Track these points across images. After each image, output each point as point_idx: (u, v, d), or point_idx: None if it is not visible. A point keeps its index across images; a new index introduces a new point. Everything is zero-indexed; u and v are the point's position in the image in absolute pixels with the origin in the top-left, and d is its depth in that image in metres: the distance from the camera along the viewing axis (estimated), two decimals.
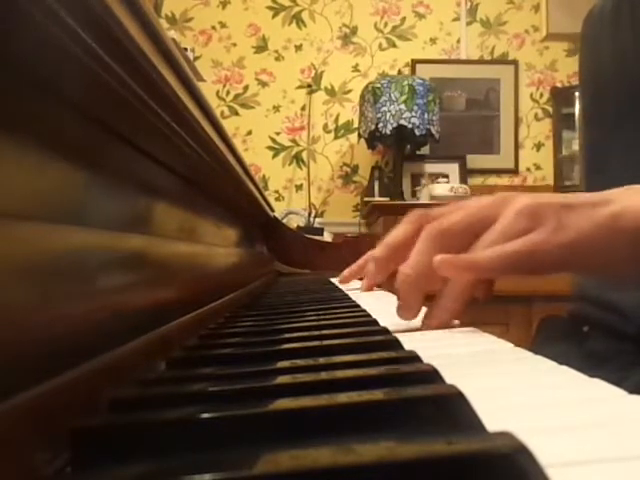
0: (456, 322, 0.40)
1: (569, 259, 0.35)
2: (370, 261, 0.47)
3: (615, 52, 0.61)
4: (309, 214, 2.26)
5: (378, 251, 0.45)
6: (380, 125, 2.03)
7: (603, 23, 0.64)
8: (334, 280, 0.97)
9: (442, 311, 0.38)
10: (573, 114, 2.28)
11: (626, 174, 0.57)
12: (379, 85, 2.05)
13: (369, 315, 0.44)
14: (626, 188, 0.38)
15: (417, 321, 0.40)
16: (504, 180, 2.43)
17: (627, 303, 0.54)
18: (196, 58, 2.31)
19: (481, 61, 2.45)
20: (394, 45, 2.43)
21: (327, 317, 0.45)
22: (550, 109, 2.44)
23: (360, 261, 0.66)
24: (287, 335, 0.36)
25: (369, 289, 0.59)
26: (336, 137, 2.40)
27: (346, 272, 0.68)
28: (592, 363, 0.53)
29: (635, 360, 0.51)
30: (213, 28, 2.37)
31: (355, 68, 2.41)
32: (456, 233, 0.38)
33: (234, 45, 2.38)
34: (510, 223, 0.36)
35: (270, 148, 2.38)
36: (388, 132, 2.02)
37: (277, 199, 2.35)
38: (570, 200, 0.37)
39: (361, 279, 0.66)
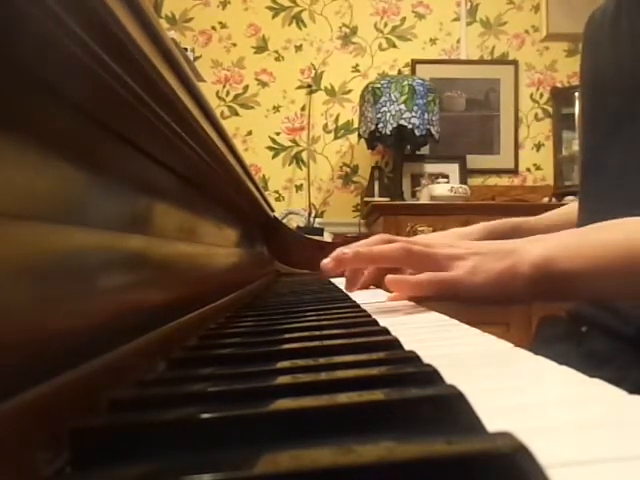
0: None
1: (477, 294, 0.48)
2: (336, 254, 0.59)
3: (614, 54, 0.62)
4: (309, 214, 2.26)
5: (344, 249, 0.57)
6: (380, 125, 2.03)
7: (604, 26, 0.64)
8: (334, 280, 0.97)
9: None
10: (573, 114, 2.28)
11: (623, 176, 0.57)
12: (379, 85, 2.05)
13: (369, 315, 0.44)
14: (528, 240, 0.50)
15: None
16: (504, 180, 2.43)
17: (625, 304, 0.54)
18: (196, 58, 2.31)
19: (481, 61, 2.45)
20: (394, 45, 2.43)
21: (327, 317, 0.45)
22: (550, 109, 2.44)
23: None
24: (287, 335, 0.36)
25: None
26: (336, 137, 2.40)
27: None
28: (591, 363, 0.53)
29: (633, 360, 0.52)
30: (213, 28, 2.37)
31: (355, 68, 2.41)
32: (413, 257, 0.51)
33: (234, 45, 2.38)
34: (443, 259, 0.50)
35: (270, 148, 2.38)
36: (388, 132, 2.02)
37: (277, 199, 2.35)
38: (488, 256, 0.48)
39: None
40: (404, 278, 0.51)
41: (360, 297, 0.62)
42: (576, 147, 2.23)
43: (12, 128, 0.20)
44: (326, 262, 0.59)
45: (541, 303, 0.54)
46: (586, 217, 0.65)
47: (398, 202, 2.05)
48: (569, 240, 0.47)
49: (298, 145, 2.39)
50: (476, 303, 0.50)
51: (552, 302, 0.54)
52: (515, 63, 2.43)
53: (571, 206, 0.74)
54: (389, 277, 0.51)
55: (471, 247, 0.50)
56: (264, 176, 2.36)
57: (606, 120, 0.62)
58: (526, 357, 0.27)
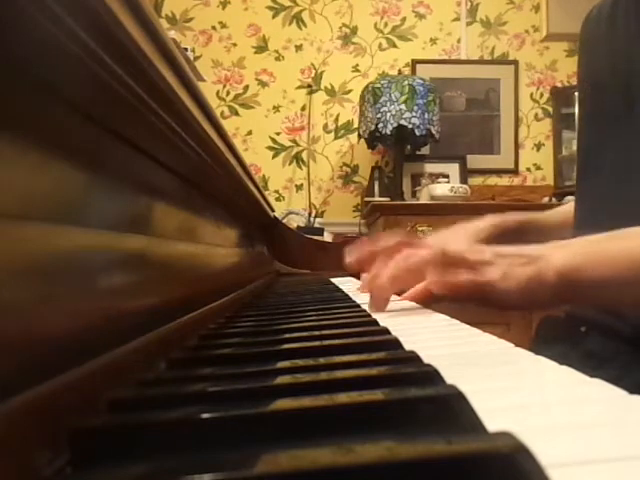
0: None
1: (506, 300, 0.48)
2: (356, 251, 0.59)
3: (610, 53, 0.62)
4: (309, 214, 2.26)
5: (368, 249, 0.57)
6: (380, 125, 2.02)
7: (600, 25, 0.64)
8: (334, 280, 0.97)
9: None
10: (573, 114, 2.28)
11: (620, 175, 0.57)
12: (379, 85, 2.05)
13: (369, 315, 0.44)
14: (552, 246, 0.49)
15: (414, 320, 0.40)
16: (504, 180, 2.43)
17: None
18: (196, 58, 2.31)
19: (481, 61, 2.45)
20: (394, 45, 2.43)
21: (327, 317, 0.45)
22: (550, 109, 2.44)
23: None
24: (287, 335, 0.36)
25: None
26: (336, 137, 2.40)
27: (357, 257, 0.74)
28: (590, 363, 0.53)
29: (632, 360, 0.52)
30: (213, 28, 2.37)
31: (355, 68, 2.41)
32: (451, 260, 0.49)
33: (234, 45, 2.38)
34: (476, 264, 0.48)
35: (270, 148, 2.38)
36: (388, 132, 2.02)
37: (277, 199, 2.35)
38: (515, 260, 0.48)
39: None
40: (446, 277, 0.49)
41: (363, 298, 0.62)
42: (576, 147, 2.23)
43: (12, 128, 0.20)
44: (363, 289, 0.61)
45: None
46: (582, 216, 0.65)
47: (398, 202, 2.05)
48: (593, 247, 0.48)
49: (298, 145, 2.39)
50: (505, 308, 0.50)
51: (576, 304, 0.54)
52: (515, 63, 2.43)
53: (572, 205, 0.74)
54: (433, 279, 0.50)
55: (497, 251, 0.50)
56: (264, 176, 2.36)
57: (603, 119, 0.62)
58: (526, 357, 0.27)
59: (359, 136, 2.19)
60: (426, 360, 0.25)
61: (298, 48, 2.39)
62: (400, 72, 2.36)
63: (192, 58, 2.15)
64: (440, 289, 0.50)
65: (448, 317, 0.45)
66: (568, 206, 0.77)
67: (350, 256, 0.63)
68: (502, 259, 0.49)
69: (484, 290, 0.48)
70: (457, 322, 0.41)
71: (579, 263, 0.46)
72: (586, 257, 0.46)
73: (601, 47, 0.64)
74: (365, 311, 0.48)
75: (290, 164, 2.38)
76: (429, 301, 0.55)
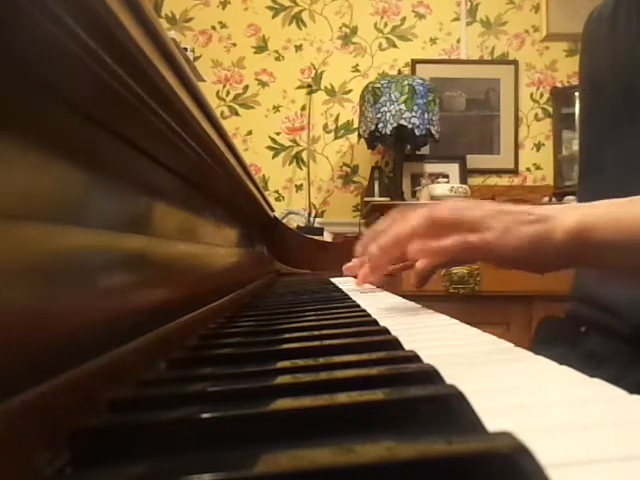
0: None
1: (508, 257, 0.46)
2: (358, 243, 0.58)
3: (612, 54, 0.62)
4: (309, 214, 2.26)
5: (366, 238, 0.57)
6: (380, 125, 2.02)
7: (602, 26, 0.64)
8: (334, 280, 0.97)
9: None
10: (573, 114, 2.28)
11: (621, 175, 0.57)
12: (379, 85, 2.05)
13: (369, 315, 0.44)
14: (563, 207, 0.48)
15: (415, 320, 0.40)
16: (504, 180, 2.43)
17: (622, 304, 0.54)
18: (196, 58, 2.31)
19: (481, 61, 2.45)
20: (394, 45, 2.43)
21: (327, 317, 0.45)
22: (550, 109, 2.44)
23: (355, 261, 0.71)
24: (287, 335, 0.36)
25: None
26: (336, 137, 2.40)
27: (346, 266, 0.74)
28: (590, 363, 0.53)
29: (631, 360, 0.52)
30: (213, 28, 2.37)
31: (355, 68, 2.41)
32: (442, 223, 0.48)
33: (234, 45, 2.38)
34: (472, 222, 0.47)
35: (270, 148, 2.38)
36: (388, 132, 2.02)
37: (277, 199, 2.35)
38: (521, 216, 0.47)
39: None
40: (427, 244, 0.48)
41: (362, 298, 0.62)
42: (576, 147, 2.23)
43: (12, 128, 0.20)
44: (353, 266, 0.61)
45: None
46: None
47: (398, 202, 2.05)
48: (606, 210, 0.46)
49: (298, 145, 2.39)
50: (507, 266, 0.49)
51: (584, 269, 0.52)
52: (515, 63, 2.43)
53: None
54: (414, 245, 0.48)
55: (501, 207, 0.48)
56: (264, 176, 2.36)
57: (604, 120, 0.62)
58: (526, 357, 0.27)
59: (359, 136, 2.19)
60: (426, 360, 0.25)
61: (298, 48, 2.39)
62: (400, 72, 2.36)
63: (192, 58, 2.15)
64: (426, 257, 0.49)
65: (448, 317, 0.45)
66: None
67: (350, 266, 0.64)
68: (504, 215, 0.47)
69: (480, 249, 0.47)
70: (457, 322, 0.41)
71: (590, 224, 0.44)
72: (598, 218, 0.45)
73: (603, 48, 0.64)
74: (365, 311, 0.48)
75: (290, 164, 2.38)
76: (426, 273, 0.52)
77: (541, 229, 0.46)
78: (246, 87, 2.37)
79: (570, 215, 0.46)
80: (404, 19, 2.43)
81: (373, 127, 2.04)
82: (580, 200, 0.67)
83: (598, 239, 0.44)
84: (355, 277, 0.70)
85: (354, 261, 0.72)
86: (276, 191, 2.37)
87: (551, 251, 0.45)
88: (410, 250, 0.48)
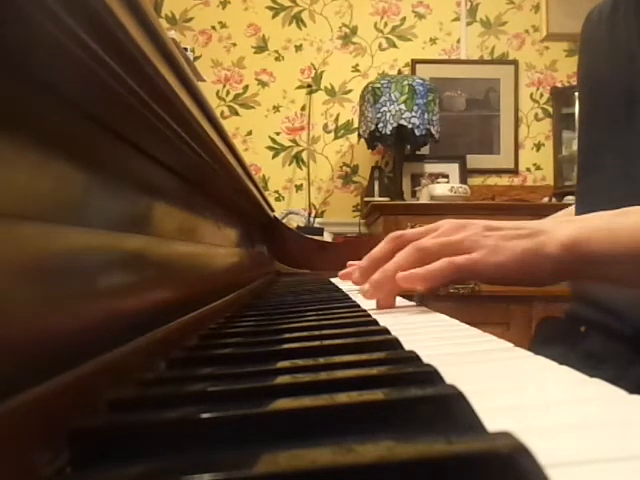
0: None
1: (499, 274, 0.47)
2: (356, 270, 0.57)
3: (610, 53, 0.62)
4: (309, 214, 2.26)
5: (363, 263, 0.56)
6: (380, 125, 2.03)
7: (600, 25, 0.64)
8: (334, 280, 0.97)
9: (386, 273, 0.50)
10: (573, 114, 2.28)
11: (620, 175, 0.57)
12: (379, 85, 2.05)
13: (369, 315, 0.44)
14: (555, 221, 0.48)
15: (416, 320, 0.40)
16: (504, 180, 2.43)
17: (622, 304, 0.54)
18: (196, 58, 2.31)
19: (481, 61, 2.45)
20: (394, 45, 2.43)
21: (327, 317, 0.45)
22: (550, 109, 2.44)
23: (350, 268, 0.72)
24: (287, 335, 0.36)
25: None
26: (336, 137, 2.40)
27: (341, 273, 0.76)
28: (589, 363, 0.53)
29: (632, 360, 0.52)
30: (213, 28, 2.37)
31: (355, 68, 2.41)
32: (427, 252, 0.49)
33: (234, 45, 2.38)
34: (458, 243, 0.48)
35: (270, 148, 2.38)
36: (388, 132, 2.02)
37: (277, 199, 2.35)
38: (510, 232, 0.47)
39: None
40: (414, 272, 0.48)
41: (362, 298, 0.62)
42: (576, 147, 2.23)
43: (12, 128, 0.20)
44: (348, 273, 0.61)
45: (546, 299, 0.53)
46: None
47: (398, 202, 2.05)
48: (599, 222, 0.46)
49: (298, 145, 2.39)
50: (500, 283, 0.48)
51: (577, 282, 0.52)
52: (515, 63, 2.43)
53: (570, 210, 0.74)
54: (399, 275, 0.49)
55: (490, 224, 0.48)
56: (264, 176, 2.36)
57: (603, 120, 0.62)
58: (526, 357, 0.27)
59: (359, 136, 2.19)
60: (426, 360, 0.25)
61: (298, 48, 2.40)
62: (400, 72, 2.36)
63: (192, 58, 2.15)
64: (415, 285, 0.49)
65: (448, 317, 0.45)
66: (570, 209, 0.77)
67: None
68: (493, 232, 0.47)
69: (467, 269, 0.46)
70: (457, 322, 0.41)
71: (585, 236, 0.44)
72: (593, 231, 0.45)
73: (602, 47, 0.64)
74: (365, 311, 0.48)
75: (290, 164, 2.38)
76: (426, 295, 0.53)
77: (533, 243, 0.45)
78: (246, 87, 2.38)
79: (564, 228, 0.46)
80: (404, 19, 2.43)
81: (373, 127, 2.05)
82: (579, 200, 0.67)
83: (593, 251, 0.44)
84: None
85: (349, 269, 0.74)
86: (276, 191, 2.37)
87: (545, 265, 0.45)
88: (398, 282, 0.49)
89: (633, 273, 0.45)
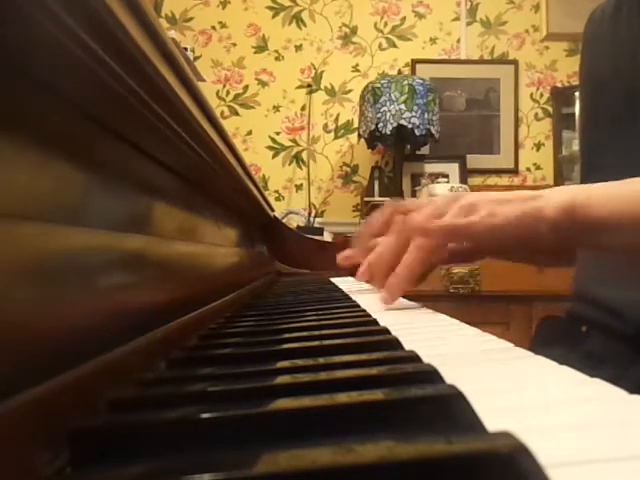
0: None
1: (493, 236, 0.46)
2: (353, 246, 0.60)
3: (613, 53, 0.62)
4: (309, 214, 2.26)
5: (360, 238, 0.59)
6: (380, 125, 2.02)
7: (603, 25, 0.64)
8: (334, 280, 0.97)
9: (399, 279, 0.50)
10: (573, 114, 2.28)
11: (623, 175, 0.57)
12: (379, 85, 2.05)
13: (369, 315, 0.44)
14: (555, 188, 0.47)
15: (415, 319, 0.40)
16: (504, 180, 2.43)
17: (624, 304, 0.54)
18: (196, 58, 2.31)
19: (481, 61, 2.45)
20: (394, 45, 2.43)
21: (327, 317, 0.45)
22: (550, 109, 2.44)
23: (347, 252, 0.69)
24: (287, 335, 0.36)
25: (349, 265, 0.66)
26: (336, 137, 2.40)
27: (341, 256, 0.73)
28: (590, 363, 0.53)
29: (632, 359, 0.52)
30: (213, 28, 2.37)
31: (355, 68, 2.41)
32: (436, 236, 0.49)
33: (234, 45, 2.38)
34: (455, 211, 0.47)
35: (270, 148, 2.38)
36: (388, 132, 2.02)
37: (277, 199, 2.35)
38: (506, 196, 0.47)
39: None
40: (415, 224, 0.48)
41: (362, 297, 0.62)
42: (576, 147, 2.23)
43: (12, 128, 0.20)
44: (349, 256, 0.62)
45: (555, 261, 0.53)
46: None
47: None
48: (599, 189, 0.45)
49: (298, 145, 2.39)
50: (494, 250, 0.49)
51: (574, 247, 0.52)
52: (515, 63, 2.43)
53: None
54: (403, 220, 0.50)
55: (490, 194, 0.48)
56: (264, 176, 2.36)
57: (606, 119, 0.62)
58: (526, 357, 0.27)
59: (359, 136, 2.19)
60: (426, 360, 0.25)
61: (298, 48, 2.39)
62: (400, 72, 2.36)
63: (192, 58, 2.15)
64: (417, 260, 0.48)
65: (448, 317, 0.45)
66: None
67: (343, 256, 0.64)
68: (493, 197, 0.47)
69: (467, 230, 0.46)
70: (457, 322, 0.41)
71: (583, 200, 0.43)
72: (592, 196, 0.44)
73: (604, 47, 0.64)
74: (365, 311, 0.48)
75: (290, 164, 2.38)
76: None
77: (530, 207, 0.45)
78: (246, 87, 2.37)
79: (564, 193, 0.45)
80: (404, 19, 2.43)
81: (373, 127, 2.04)
82: None
83: (594, 215, 0.43)
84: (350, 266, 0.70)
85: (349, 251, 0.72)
86: (276, 191, 2.37)
87: (542, 227, 0.44)
88: (400, 232, 0.49)
89: (633, 239, 0.44)
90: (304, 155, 2.38)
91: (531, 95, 2.45)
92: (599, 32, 0.65)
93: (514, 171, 2.43)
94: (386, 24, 2.42)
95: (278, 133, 2.38)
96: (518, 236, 0.46)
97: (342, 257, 0.71)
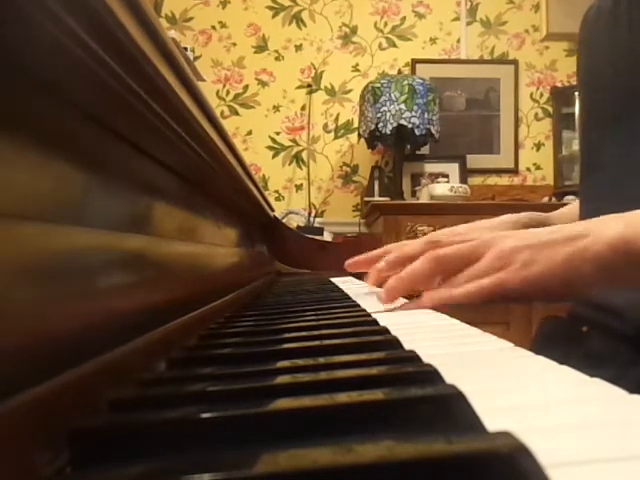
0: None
1: (530, 290, 0.42)
2: (383, 260, 0.56)
3: (612, 52, 0.61)
4: (309, 214, 2.26)
5: (392, 256, 0.55)
6: (380, 125, 2.03)
7: (600, 23, 0.64)
8: (334, 280, 0.97)
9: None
10: (573, 114, 2.28)
11: (622, 174, 0.56)
12: (379, 85, 2.05)
13: (369, 315, 0.44)
14: (593, 220, 0.43)
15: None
16: (504, 180, 2.43)
17: (624, 304, 0.54)
18: (196, 58, 2.31)
19: (481, 61, 2.45)
20: (394, 45, 2.43)
21: (327, 317, 0.45)
22: (550, 109, 2.44)
23: (372, 254, 0.67)
24: (287, 335, 0.36)
25: (374, 283, 0.62)
26: (336, 137, 2.40)
27: (357, 258, 0.70)
28: (591, 363, 0.53)
29: (632, 359, 0.51)
30: (213, 28, 2.37)
31: (355, 68, 2.41)
32: (449, 261, 0.47)
33: (234, 45, 2.38)
34: (487, 263, 0.44)
35: (270, 148, 2.38)
36: (388, 132, 2.02)
37: (277, 199, 2.35)
38: (549, 237, 0.43)
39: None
40: (443, 293, 0.46)
41: (362, 297, 0.62)
42: (576, 147, 2.23)
43: (12, 128, 0.20)
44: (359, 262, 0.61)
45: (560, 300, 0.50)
46: (588, 216, 0.65)
47: (398, 202, 2.05)
48: None
49: (298, 145, 2.39)
50: (534, 296, 0.44)
51: (624, 286, 0.47)
52: (515, 63, 2.43)
53: (575, 206, 0.74)
54: (426, 294, 0.47)
55: (529, 236, 0.44)
56: (264, 176, 2.36)
57: (604, 118, 0.62)
58: (526, 357, 0.27)
59: (359, 136, 2.19)
60: (426, 360, 0.25)
61: (298, 48, 2.39)
62: (400, 72, 2.36)
63: (192, 58, 2.15)
64: (435, 306, 0.47)
65: (448, 317, 0.45)
66: (574, 206, 0.76)
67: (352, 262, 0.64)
68: (525, 247, 0.42)
69: (501, 293, 0.43)
70: (457, 322, 0.41)
71: (636, 234, 0.39)
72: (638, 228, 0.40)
73: (602, 46, 0.63)
74: (365, 311, 0.48)
75: (290, 164, 2.38)
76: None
77: (575, 247, 0.41)
78: (246, 87, 2.38)
79: (609, 227, 0.41)
80: (404, 19, 2.43)
81: (373, 127, 2.05)
82: (583, 199, 0.67)
83: None
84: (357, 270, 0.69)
85: (362, 257, 0.70)
86: (276, 191, 2.37)
87: (589, 268, 0.40)
88: (423, 303, 0.47)
89: None
90: (304, 155, 2.38)
91: (531, 95, 2.45)
92: (595, 29, 0.65)
93: (514, 171, 2.43)
94: (386, 24, 2.42)
95: (278, 133, 2.38)
96: (562, 282, 0.42)
97: (352, 263, 0.69)
